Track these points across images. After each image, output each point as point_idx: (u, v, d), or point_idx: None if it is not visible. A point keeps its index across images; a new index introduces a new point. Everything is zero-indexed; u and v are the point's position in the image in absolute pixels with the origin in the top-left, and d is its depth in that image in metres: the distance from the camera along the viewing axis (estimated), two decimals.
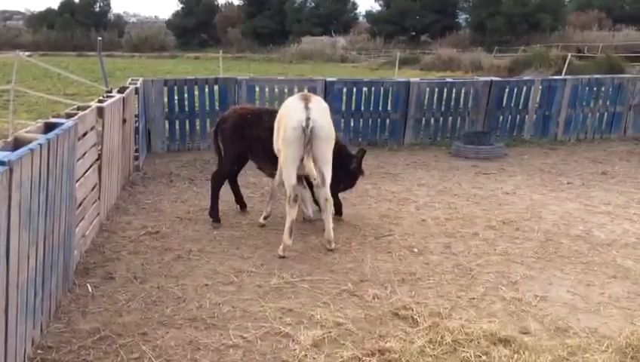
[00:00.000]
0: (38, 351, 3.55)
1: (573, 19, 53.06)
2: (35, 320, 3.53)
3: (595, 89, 11.43)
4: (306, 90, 10.13)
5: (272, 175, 6.12)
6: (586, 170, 8.98)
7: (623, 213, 6.75)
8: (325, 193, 5.31)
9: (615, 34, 44.68)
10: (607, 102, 11.50)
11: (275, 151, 5.61)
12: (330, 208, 5.37)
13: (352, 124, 10.44)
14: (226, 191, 6.43)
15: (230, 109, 6.73)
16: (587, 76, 12.07)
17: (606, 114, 11.54)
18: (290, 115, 5.20)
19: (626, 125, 11.67)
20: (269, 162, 6.00)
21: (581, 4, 58.59)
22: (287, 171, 5.28)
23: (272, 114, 6.10)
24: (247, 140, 6.05)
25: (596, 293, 4.58)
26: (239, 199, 6.61)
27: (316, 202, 6.27)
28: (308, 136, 5.03)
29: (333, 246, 5.37)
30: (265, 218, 6.07)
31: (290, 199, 5.27)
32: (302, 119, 5.06)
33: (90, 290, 4.43)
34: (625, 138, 11.54)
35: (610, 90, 11.53)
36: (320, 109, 5.29)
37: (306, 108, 5.13)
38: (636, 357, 3.55)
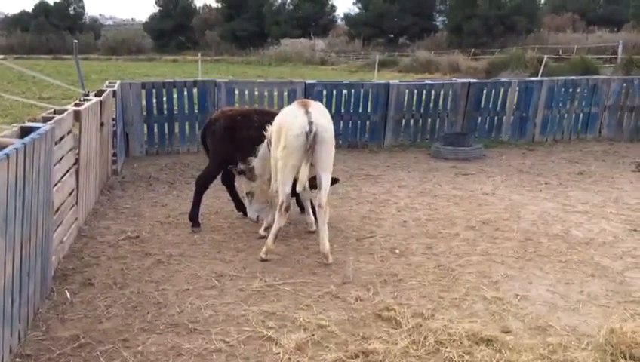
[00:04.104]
0: (17, 360, 3.49)
1: (548, 22, 53.92)
2: (12, 327, 3.46)
3: (570, 90, 11.61)
4: (285, 93, 10.15)
5: (252, 178, 5.91)
6: (563, 170, 9.11)
7: (599, 212, 6.86)
8: (320, 199, 5.00)
9: (589, 36, 45.46)
10: (583, 103, 11.70)
11: (273, 160, 5.38)
12: (326, 217, 5.04)
13: None
14: (206, 195, 6.36)
15: (218, 111, 6.64)
16: (563, 78, 12.24)
17: (581, 115, 11.72)
18: (291, 122, 4.96)
19: (601, 126, 11.87)
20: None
21: (556, 6, 59.59)
22: (285, 179, 5.03)
23: (262, 113, 6.07)
24: (236, 142, 5.92)
25: (575, 292, 4.65)
26: (239, 206, 6.44)
27: (299, 204, 6.26)
28: (310, 142, 4.83)
29: (330, 260, 5.07)
30: (266, 229, 5.68)
31: (281, 207, 5.07)
32: (304, 125, 4.87)
33: (68, 297, 4.36)
34: (600, 138, 11.73)
35: (586, 91, 11.73)
36: (321, 112, 5.16)
37: (307, 112, 4.95)
38: (615, 354, 3.60)
